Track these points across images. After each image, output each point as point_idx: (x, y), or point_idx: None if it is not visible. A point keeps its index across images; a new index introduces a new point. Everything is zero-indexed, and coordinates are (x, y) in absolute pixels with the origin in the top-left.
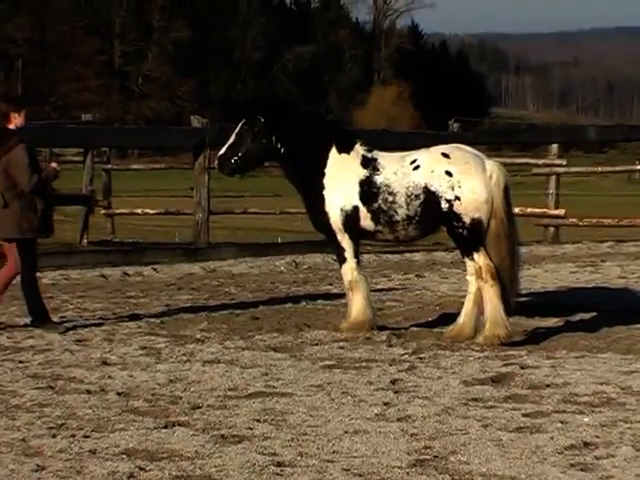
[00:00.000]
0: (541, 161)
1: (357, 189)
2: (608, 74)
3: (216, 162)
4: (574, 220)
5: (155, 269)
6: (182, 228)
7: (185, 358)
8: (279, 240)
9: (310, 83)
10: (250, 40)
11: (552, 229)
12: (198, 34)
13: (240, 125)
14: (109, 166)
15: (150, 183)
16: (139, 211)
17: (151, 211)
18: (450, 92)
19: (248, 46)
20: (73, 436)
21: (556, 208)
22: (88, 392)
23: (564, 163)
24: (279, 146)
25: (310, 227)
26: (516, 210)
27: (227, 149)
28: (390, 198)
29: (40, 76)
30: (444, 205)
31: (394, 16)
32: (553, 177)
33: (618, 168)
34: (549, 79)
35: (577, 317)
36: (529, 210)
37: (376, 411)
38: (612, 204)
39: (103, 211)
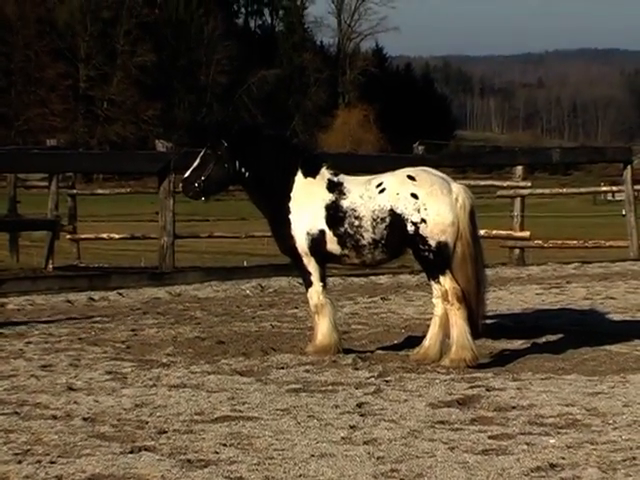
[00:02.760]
0: (506, 183)
1: (323, 213)
2: (572, 95)
3: (180, 185)
4: (539, 242)
5: (121, 294)
6: (148, 252)
7: (151, 383)
8: (245, 264)
9: (275, 106)
10: (215, 64)
11: (517, 251)
12: (163, 58)
13: (204, 149)
14: (74, 191)
15: (116, 207)
16: (105, 236)
17: (117, 236)
18: (415, 114)
19: (213, 70)
20: (39, 462)
21: (521, 230)
22: (54, 417)
23: (529, 185)
24: (243, 170)
25: (276, 250)
26: (481, 232)
27: (191, 173)
28: (356, 222)
29: (6, 101)
30: (410, 228)
31: (358, 39)
32: (518, 199)
33: (583, 190)
34: (514, 101)
35: (543, 339)
36: (494, 232)
37: (342, 434)
38: (578, 225)
39: (69, 236)
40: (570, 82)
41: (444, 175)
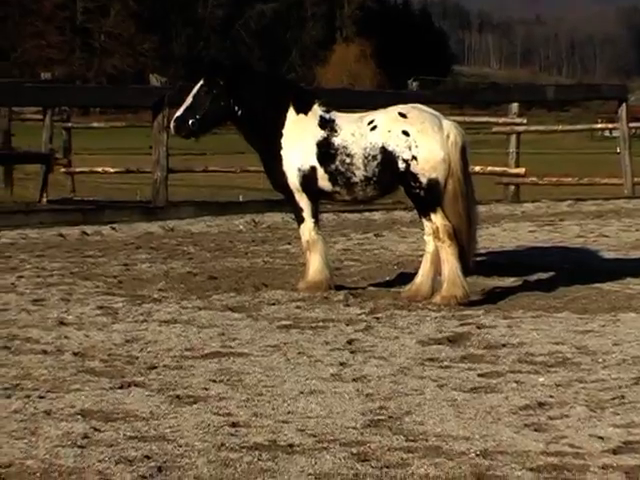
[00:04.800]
0: (501, 119)
1: (314, 150)
2: (571, 32)
3: (172, 124)
4: (534, 179)
5: (114, 228)
6: (144, 186)
7: (142, 318)
8: (240, 198)
9: (272, 40)
10: None
11: (512, 188)
12: None
13: (198, 87)
14: (69, 124)
15: (111, 141)
16: (99, 169)
17: (111, 169)
18: (413, 49)
19: (210, 3)
20: (28, 397)
21: (516, 167)
22: (44, 352)
23: (524, 122)
24: (236, 108)
25: (270, 186)
26: (476, 169)
27: (184, 111)
28: (347, 159)
29: (2, 33)
30: (401, 165)
31: None
32: (513, 136)
33: (578, 126)
34: (512, 37)
35: (534, 276)
36: (489, 169)
37: (332, 371)
38: (574, 162)
39: (63, 169)
40: (568, 19)
41: (436, 112)
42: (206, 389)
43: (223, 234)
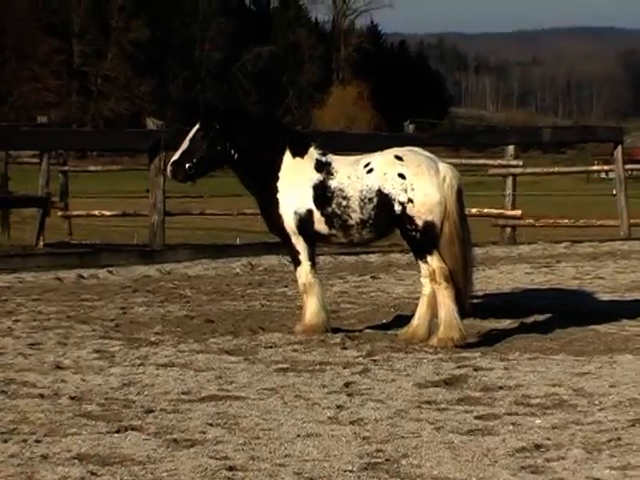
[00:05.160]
0: (498, 162)
1: (311, 193)
2: (567, 74)
3: (169, 169)
4: (531, 221)
5: (111, 271)
6: (141, 229)
7: (139, 361)
8: (237, 241)
9: (269, 83)
10: (209, 40)
11: (509, 230)
12: (157, 34)
13: (194, 131)
14: (66, 168)
15: (108, 184)
16: (96, 212)
17: (108, 213)
18: (409, 92)
19: (207, 46)
20: (25, 441)
21: (513, 209)
22: (41, 396)
23: (520, 164)
24: (233, 152)
25: (267, 229)
26: (473, 210)
27: (181, 155)
28: (344, 202)
29: None
30: (397, 208)
31: (353, 16)
32: (510, 178)
33: (574, 168)
34: (508, 79)
35: (531, 318)
36: (486, 211)
37: (329, 414)
38: (570, 204)
39: (60, 213)
40: (565, 60)
41: (431, 155)
42: (203, 432)
43: (220, 277)
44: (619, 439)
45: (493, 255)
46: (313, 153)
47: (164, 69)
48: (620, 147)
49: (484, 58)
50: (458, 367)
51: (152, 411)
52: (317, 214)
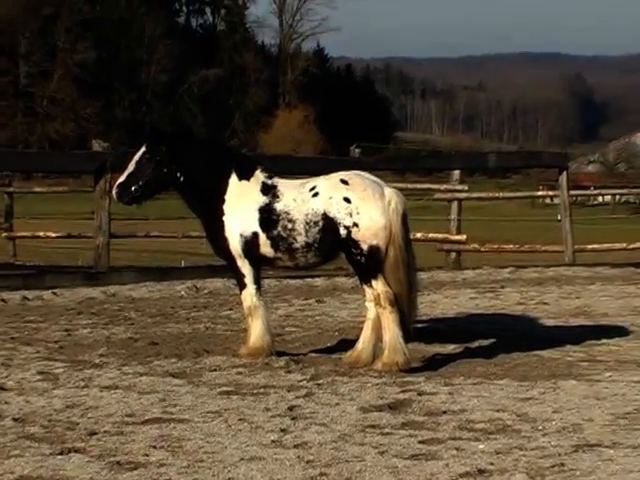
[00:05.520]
0: (443, 186)
1: (257, 215)
2: (513, 99)
3: (114, 191)
4: (475, 246)
5: (55, 293)
6: (85, 250)
7: (83, 383)
8: (182, 264)
9: (216, 106)
10: (156, 62)
11: (453, 254)
12: (103, 56)
13: (140, 153)
14: (11, 189)
15: (53, 206)
16: (41, 234)
17: (53, 234)
18: (355, 116)
19: (154, 68)
20: None
21: (458, 233)
22: None
23: (466, 188)
24: (178, 175)
25: (212, 251)
26: (418, 235)
27: (126, 178)
28: (289, 225)
29: None
30: (342, 232)
31: (300, 39)
32: (455, 202)
33: (519, 194)
34: (454, 103)
35: (475, 343)
36: (431, 235)
37: (273, 438)
38: (515, 229)
39: (5, 234)
40: (510, 85)
41: (377, 179)
42: (147, 455)
43: (165, 300)
44: (562, 464)
45: (438, 280)
46: (259, 176)
47: (110, 91)
48: (565, 173)
49: (430, 82)
50: (402, 391)
51: (96, 433)
52: (263, 237)
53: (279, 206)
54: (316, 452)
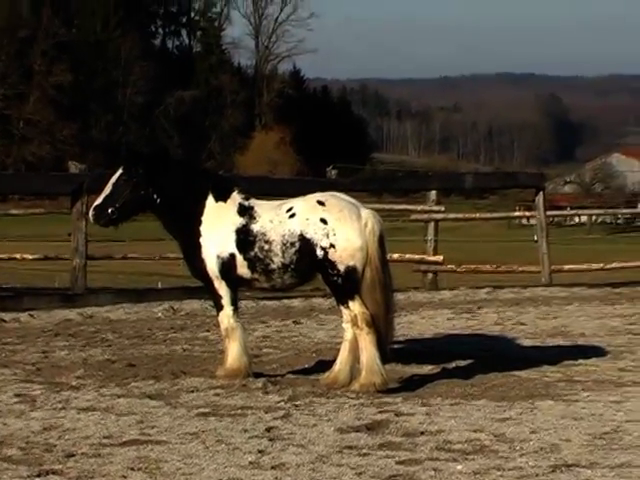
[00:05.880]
0: (419, 207)
1: (233, 237)
2: (489, 120)
3: (91, 213)
4: (452, 266)
5: (32, 315)
6: (62, 272)
7: (60, 405)
8: (159, 285)
9: (192, 127)
10: (132, 84)
11: (430, 275)
12: (80, 78)
13: (117, 175)
14: None
15: (29, 228)
16: (17, 256)
17: (29, 256)
18: (332, 137)
19: (130, 90)
20: None
21: (435, 254)
22: None
23: (442, 209)
24: (155, 196)
25: (189, 273)
26: (395, 256)
27: (103, 200)
28: (266, 246)
29: None
30: (319, 253)
31: (276, 61)
32: (431, 223)
33: (496, 214)
34: (430, 124)
35: (453, 364)
36: (408, 256)
37: (250, 459)
38: (491, 250)
39: None
40: (486, 106)
41: (354, 200)
42: (124, 477)
43: (142, 321)
44: None
45: (415, 300)
46: (236, 197)
47: (87, 113)
48: (542, 193)
49: (406, 103)
50: (380, 412)
51: (73, 455)
52: (239, 258)
53: (256, 227)
54: (294, 473)
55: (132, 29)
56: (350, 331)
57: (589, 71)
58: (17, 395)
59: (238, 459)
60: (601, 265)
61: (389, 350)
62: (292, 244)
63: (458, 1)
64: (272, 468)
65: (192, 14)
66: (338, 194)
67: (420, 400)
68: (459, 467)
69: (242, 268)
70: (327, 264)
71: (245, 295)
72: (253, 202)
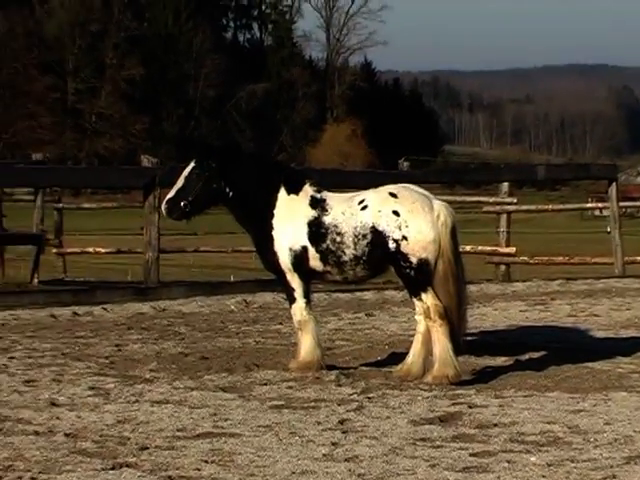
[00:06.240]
0: (492, 199)
1: (306, 229)
2: (561, 111)
3: (163, 206)
4: (525, 258)
5: (105, 308)
6: (135, 266)
7: (134, 398)
8: (231, 278)
9: (263, 120)
10: (203, 78)
11: (503, 267)
12: (151, 71)
13: (189, 168)
14: (60, 205)
15: (102, 222)
16: (91, 250)
17: (102, 250)
18: (403, 129)
19: (201, 84)
20: (20, 478)
21: (507, 246)
22: (36, 433)
23: (514, 201)
24: (228, 190)
25: (262, 266)
26: (467, 248)
27: (176, 193)
28: (338, 238)
29: None
30: (391, 245)
31: (347, 54)
32: (504, 215)
33: (569, 206)
34: (502, 116)
35: (526, 356)
36: (480, 248)
37: (324, 451)
38: (564, 241)
39: (55, 250)
40: (558, 97)
41: (426, 192)
42: (198, 469)
43: (215, 314)
44: (614, 476)
45: (487, 292)
46: (308, 190)
47: (158, 106)
48: (615, 184)
49: (478, 95)
50: (453, 404)
51: (147, 448)
52: (312, 251)
53: (328, 220)
54: (367, 466)
55: (203, 22)
56: (423, 323)
57: None
58: (91, 388)
59: (311, 451)
60: None
61: (462, 342)
62: (364, 236)
63: None
64: (345, 460)
65: (263, 7)
66: (410, 186)
67: (493, 392)
68: (533, 459)
69: (314, 261)
70: (399, 256)
71: (318, 288)
72: (325, 195)
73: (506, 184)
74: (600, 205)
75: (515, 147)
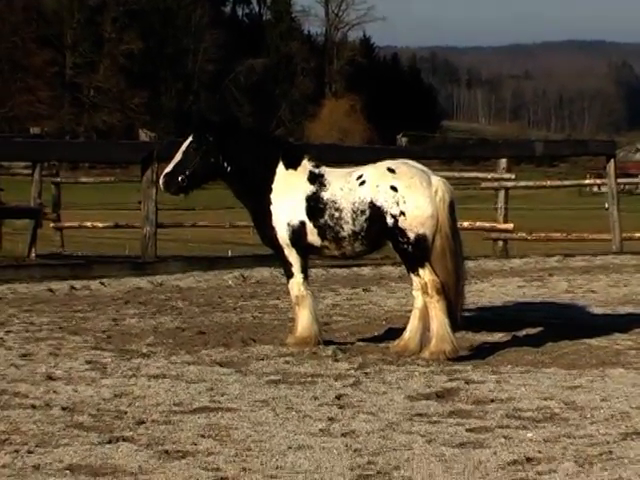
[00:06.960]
0: (490, 175)
1: (304, 204)
2: (559, 87)
3: (161, 180)
4: (523, 234)
5: (103, 283)
6: (132, 241)
7: (131, 373)
8: (229, 253)
9: (262, 95)
10: (202, 52)
11: (501, 243)
12: (150, 46)
13: (187, 143)
14: (58, 179)
15: (100, 196)
16: (88, 224)
17: (100, 224)
18: (402, 105)
19: (200, 58)
20: (17, 451)
21: (505, 222)
22: (33, 407)
23: (512, 177)
24: (226, 164)
25: (259, 241)
26: (465, 224)
27: (173, 168)
28: (336, 214)
29: None
30: (389, 220)
31: (346, 29)
32: (502, 191)
33: (567, 182)
34: (501, 92)
35: (523, 332)
36: (478, 224)
37: (320, 426)
38: (562, 218)
39: (52, 224)
40: (557, 74)
41: (424, 167)
42: (195, 444)
43: (212, 289)
44: (611, 452)
45: (485, 268)
46: (306, 165)
47: (157, 81)
48: (613, 161)
49: (476, 71)
50: (450, 380)
51: (144, 422)
52: (310, 226)
53: (326, 195)
54: (364, 441)
55: None
56: (420, 299)
57: None
58: (88, 362)
59: (308, 426)
60: None
61: (459, 318)
62: (362, 212)
63: None
64: (342, 435)
65: None
66: (408, 161)
67: (490, 368)
68: (529, 435)
69: (312, 236)
70: (397, 232)
71: (315, 263)
72: (323, 170)
73: (504, 160)
74: (598, 181)
75: (513, 123)
